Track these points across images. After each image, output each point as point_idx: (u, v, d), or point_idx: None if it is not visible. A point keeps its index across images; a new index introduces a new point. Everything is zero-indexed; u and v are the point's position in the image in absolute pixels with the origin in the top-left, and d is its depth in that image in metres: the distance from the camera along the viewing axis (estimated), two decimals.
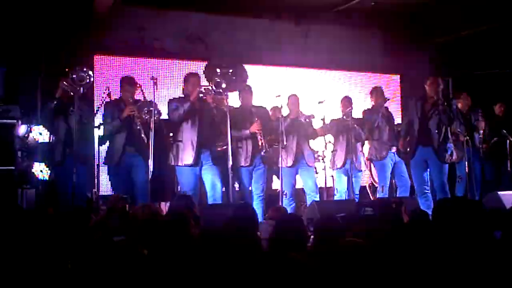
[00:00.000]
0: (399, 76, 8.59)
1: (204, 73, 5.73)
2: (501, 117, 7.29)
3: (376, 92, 6.48)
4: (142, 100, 5.51)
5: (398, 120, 7.32)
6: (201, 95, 5.34)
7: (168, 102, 5.55)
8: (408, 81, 8.34)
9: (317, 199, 6.00)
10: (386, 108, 6.48)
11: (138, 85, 5.58)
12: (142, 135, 5.22)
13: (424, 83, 5.96)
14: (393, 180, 6.58)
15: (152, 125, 5.09)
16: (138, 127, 5.26)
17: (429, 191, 5.94)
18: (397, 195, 6.32)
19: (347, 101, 6.45)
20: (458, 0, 6.91)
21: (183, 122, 5.42)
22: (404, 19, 7.65)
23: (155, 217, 3.40)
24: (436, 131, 5.82)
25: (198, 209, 4.66)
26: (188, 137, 5.39)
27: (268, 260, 1.88)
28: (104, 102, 5.67)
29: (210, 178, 5.47)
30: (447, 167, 5.93)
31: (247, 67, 7.55)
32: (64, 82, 5.05)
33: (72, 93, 5.05)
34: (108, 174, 6.18)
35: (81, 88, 5.04)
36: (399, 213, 3.71)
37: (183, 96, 5.59)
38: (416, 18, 7.62)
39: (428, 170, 5.95)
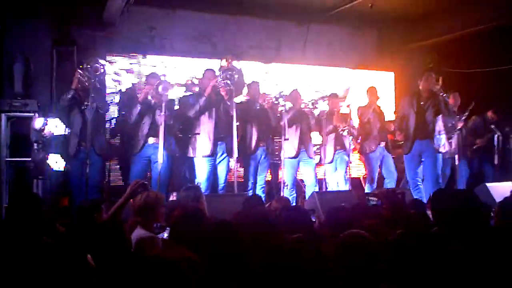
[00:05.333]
0: (393, 73, 8.89)
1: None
2: (493, 121, 7.27)
3: (371, 91, 6.81)
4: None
5: (390, 115, 7.60)
6: (216, 88, 5.49)
7: (183, 98, 5.73)
8: (401, 78, 8.67)
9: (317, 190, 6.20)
10: (379, 106, 6.81)
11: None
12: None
13: (418, 79, 6.13)
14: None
15: (163, 120, 5.19)
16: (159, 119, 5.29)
17: (421, 184, 6.13)
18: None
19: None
20: (448, 5, 7.16)
21: (201, 115, 5.59)
22: (399, 21, 7.90)
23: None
24: (432, 122, 5.94)
25: (207, 199, 4.73)
26: (206, 129, 5.58)
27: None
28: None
29: (224, 168, 5.69)
30: (441, 159, 6.04)
31: (251, 63, 7.88)
32: (80, 72, 5.15)
33: (87, 84, 5.13)
34: (120, 165, 6.46)
35: (96, 79, 5.12)
36: (403, 203, 3.86)
37: (198, 91, 5.75)
38: (410, 20, 7.83)
39: (422, 163, 6.11)
